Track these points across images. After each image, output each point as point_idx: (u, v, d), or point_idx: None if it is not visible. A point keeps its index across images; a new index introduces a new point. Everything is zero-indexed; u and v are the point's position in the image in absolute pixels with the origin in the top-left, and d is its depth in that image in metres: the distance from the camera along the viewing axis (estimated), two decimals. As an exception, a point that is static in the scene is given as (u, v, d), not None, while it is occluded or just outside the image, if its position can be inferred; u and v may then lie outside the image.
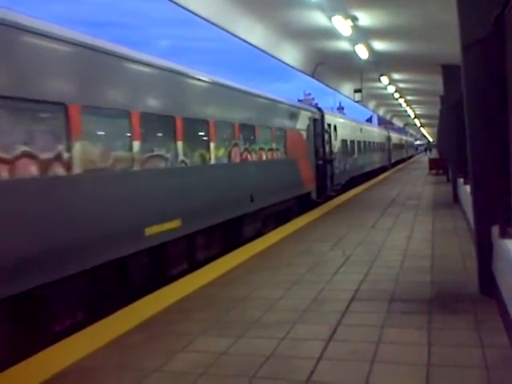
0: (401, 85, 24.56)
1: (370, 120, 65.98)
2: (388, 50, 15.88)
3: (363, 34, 13.35)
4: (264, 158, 12.62)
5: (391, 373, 3.96)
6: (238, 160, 10.91)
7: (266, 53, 14.76)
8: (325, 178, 18.47)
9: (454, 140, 14.75)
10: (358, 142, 27.52)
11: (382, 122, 65.93)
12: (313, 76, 19.08)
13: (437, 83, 18.47)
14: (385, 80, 21.52)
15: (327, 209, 15.41)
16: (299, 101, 19.82)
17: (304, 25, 12.92)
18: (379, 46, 15.17)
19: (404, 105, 34.78)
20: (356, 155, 26.33)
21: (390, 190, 20.82)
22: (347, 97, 25.96)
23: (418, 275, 6.85)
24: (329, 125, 19.70)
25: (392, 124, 66.83)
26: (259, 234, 11.71)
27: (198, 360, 4.32)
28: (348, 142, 24.11)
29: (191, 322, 5.37)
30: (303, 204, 16.09)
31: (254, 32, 13.17)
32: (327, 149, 19.12)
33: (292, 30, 13.72)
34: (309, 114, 17.26)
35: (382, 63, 17.80)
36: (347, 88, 24.80)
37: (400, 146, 56.29)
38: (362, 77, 20.46)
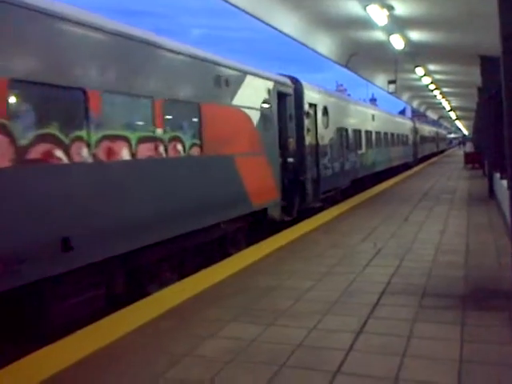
0: (436, 76, 24.04)
1: (403, 112, 64.76)
2: (424, 40, 15.55)
3: (399, 24, 13.10)
4: (127, 156, 6.44)
5: (422, 368, 3.92)
6: (5, 162, 4.86)
7: (300, 43, 14.65)
8: (301, 184, 12.62)
9: (490, 133, 14.41)
10: (368, 132, 21.43)
11: (416, 115, 64.71)
12: (346, 66, 18.86)
13: (474, 75, 18.02)
14: (420, 71, 21.09)
15: (358, 201, 15.27)
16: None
17: (339, 14, 12.76)
18: (415, 35, 14.87)
19: (439, 97, 34.05)
20: (363, 150, 20.33)
21: (423, 184, 20.49)
22: (381, 88, 25.58)
23: (452, 270, 6.74)
24: (313, 105, 13.82)
25: (426, 116, 65.61)
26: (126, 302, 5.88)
27: (228, 346, 4.37)
28: (349, 132, 18.06)
29: (222, 308, 5.42)
30: (258, 228, 10.48)
31: (288, 21, 13.07)
32: (308, 140, 13.23)
33: (326, 20, 13.56)
34: (268, 83, 11.04)
35: (417, 54, 17.44)
36: (381, 79, 24.42)
37: (430, 140, 50.23)
38: (396, 68, 20.10)
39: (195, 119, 8.24)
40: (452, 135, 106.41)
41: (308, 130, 13.27)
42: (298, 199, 12.43)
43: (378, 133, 23.58)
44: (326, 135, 14.90)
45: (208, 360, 4.13)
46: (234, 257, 8.05)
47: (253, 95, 10.29)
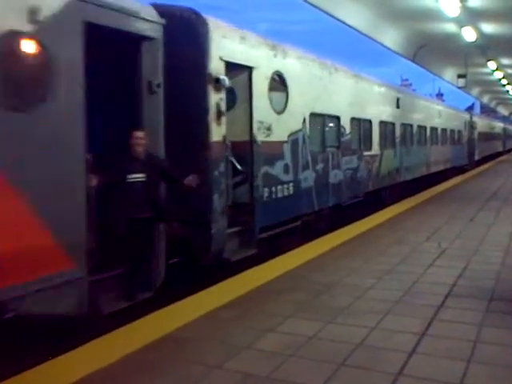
0: (509, 70, 22.95)
1: (471, 108, 61.81)
2: (498, 33, 14.86)
3: (472, 15, 12.58)
4: None
5: (489, 375, 3.76)
6: None
7: (365, 35, 14.36)
8: (179, 224, 6.53)
9: None
10: (385, 124, 14.45)
11: (485, 110, 62.04)
12: (413, 60, 18.33)
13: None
14: (492, 65, 20.20)
15: (420, 200, 14.82)
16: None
17: (407, 5, 12.42)
18: (488, 28, 14.23)
19: None
20: (376, 151, 13.67)
21: (490, 183, 19.61)
22: (449, 82, 24.73)
23: (522, 274, 6.42)
24: (241, 68, 7.63)
25: (496, 112, 62.71)
26: None
27: (287, 341, 4.36)
28: (344, 122, 11.29)
29: (281, 303, 5.42)
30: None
31: (352, 13, 12.82)
32: (222, 133, 6.98)
33: (394, 11, 13.22)
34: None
35: (489, 47, 16.70)
36: (450, 73, 23.57)
37: (493, 137, 42.01)
38: (466, 61, 19.32)
39: None
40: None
41: (220, 113, 6.98)
42: (162, 258, 6.05)
43: (406, 126, 16.50)
44: (279, 125, 8.51)
45: (266, 354, 4.12)
46: (294, 252, 8.01)
47: None
